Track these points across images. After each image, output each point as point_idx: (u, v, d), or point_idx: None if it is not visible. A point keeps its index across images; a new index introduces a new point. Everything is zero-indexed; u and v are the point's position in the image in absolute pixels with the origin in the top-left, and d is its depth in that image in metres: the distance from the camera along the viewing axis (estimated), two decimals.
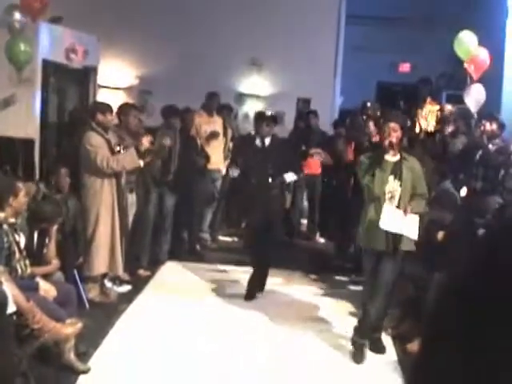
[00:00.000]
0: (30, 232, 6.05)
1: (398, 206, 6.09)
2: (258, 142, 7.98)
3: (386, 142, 6.14)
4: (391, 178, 6.12)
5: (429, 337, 0.82)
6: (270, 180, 7.83)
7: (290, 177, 8.07)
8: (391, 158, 6.20)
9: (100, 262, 7.45)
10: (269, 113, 8.40)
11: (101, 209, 7.37)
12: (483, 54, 9.27)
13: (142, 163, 8.02)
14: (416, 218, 6.11)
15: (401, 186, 6.12)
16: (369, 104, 9.63)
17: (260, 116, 8.35)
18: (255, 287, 7.93)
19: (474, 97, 8.98)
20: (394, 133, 6.14)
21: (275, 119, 8.55)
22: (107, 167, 7.20)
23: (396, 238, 6.09)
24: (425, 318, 0.86)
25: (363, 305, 6.46)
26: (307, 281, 8.86)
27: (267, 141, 7.97)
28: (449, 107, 9.10)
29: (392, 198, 6.10)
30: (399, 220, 6.03)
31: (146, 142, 7.45)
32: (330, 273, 9.18)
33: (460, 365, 0.75)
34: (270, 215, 7.94)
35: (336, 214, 9.97)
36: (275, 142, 8.13)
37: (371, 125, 9.02)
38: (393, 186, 6.12)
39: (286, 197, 9.02)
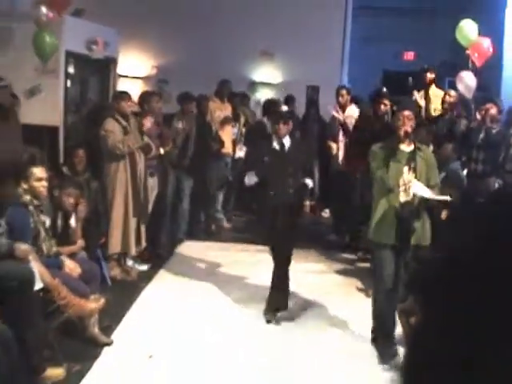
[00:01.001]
0: (55, 213, 6.06)
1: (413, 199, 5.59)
2: (275, 144, 6.51)
3: (401, 131, 5.56)
4: (405, 169, 5.58)
5: (424, 311, 0.80)
6: (291, 191, 6.48)
7: (309, 183, 6.77)
8: (406, 148, 5.65)
9: (114, 242, 7.49)
10: (284, 108, 6.92)
11: (115, 192, 7.43)
12: (486, 43, 9.23)
13: (162, 151, 8.05)
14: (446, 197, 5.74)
15: (416, 177, 5.57)
16: (384, 89, 9.36)
17: (275, 115, 6.80)
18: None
19: (466, 83, 8.98)
20: (409, 121, 5.58)
21: (292, 113, 7.29)
22: (115, 148, 7.27)
23: (410, 232, 5.57)
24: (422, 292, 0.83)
25: (379, 308, 5.77)
26: (314, 259, 8.81)
27: (286, 142, 6.53)
28: (453, 93, 9.04)
29: (406, 190, 5.57)
30: (429, 191, 5.60)
31: (147, 122, 7.47)
32: (337, 251, 9.16)
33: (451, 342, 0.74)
34: (289, 237, 6.63)
35: (342, 193, 9.73)
36: (296, 143, 6.76)
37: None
38: (407, 177, 5.57)
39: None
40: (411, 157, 5.61)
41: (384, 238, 5.62)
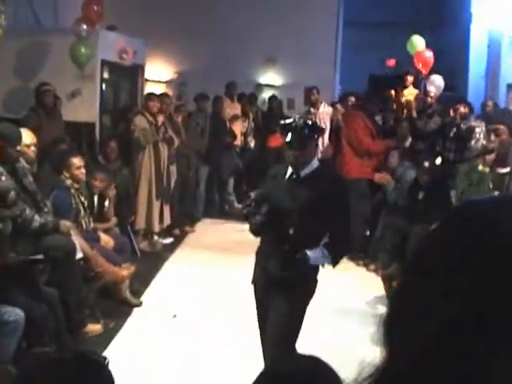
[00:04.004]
0: (90, 195, 6.00)
1: None
2: (289, 171, 3.55)
3: (489, 148, 3.84)
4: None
5: (408, 275, 0.72)
6: (287, 248, 3.66)
7: (316, 257, 3.52)
8: (501, 169, 3.93)
9: (139, 219, 7.49)
10: (294, 119, 3.56)
11: (141, 177, 7.42)
12: (429, 54, 9.38)
13: (176, 143, 8.01)
14: None
15: None
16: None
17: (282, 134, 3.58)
18: None
19: (436, 85, 9.02)
20: (497, 137, 3.89)
21: (316, 130, 3.61)
22: (138, 139, 7.27)
23: None
24: (407, 259, 0.73)
25: None
26: None
27: (305, 172, 3.51)
28: (432, 94, 8.90)
29: None
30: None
31: (160, 118, 7.47)
32: None
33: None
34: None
35: None
36: (320, 172, 3.55)
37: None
38: None
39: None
40: (504, 180, 3.96)
41: None
